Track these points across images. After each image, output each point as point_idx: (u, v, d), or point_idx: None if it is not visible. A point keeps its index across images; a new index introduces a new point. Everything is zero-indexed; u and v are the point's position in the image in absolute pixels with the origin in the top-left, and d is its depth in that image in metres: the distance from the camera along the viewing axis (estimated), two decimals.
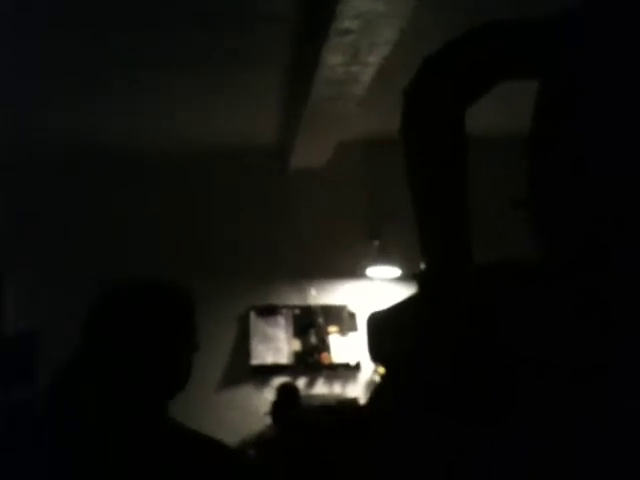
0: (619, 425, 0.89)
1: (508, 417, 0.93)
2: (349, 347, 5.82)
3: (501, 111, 4.22)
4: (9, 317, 4.80)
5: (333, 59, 3.85)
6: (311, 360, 5.81)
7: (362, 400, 5.70)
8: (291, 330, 5.86)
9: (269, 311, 5.88)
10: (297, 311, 5.90)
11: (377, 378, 5.70)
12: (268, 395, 5.50)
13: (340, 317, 5.88)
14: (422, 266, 1.08)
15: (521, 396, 0.93)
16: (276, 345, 5.83)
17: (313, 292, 5.92)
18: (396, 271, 5.81)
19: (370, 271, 5.89)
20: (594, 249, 0.95)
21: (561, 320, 0.94)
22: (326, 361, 5.82)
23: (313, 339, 5.85)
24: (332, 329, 5.87)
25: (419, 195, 1.08)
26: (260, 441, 5.20)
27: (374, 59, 3.86)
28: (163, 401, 1.68)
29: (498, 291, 1.00)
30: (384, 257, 5.82)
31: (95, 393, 1.61)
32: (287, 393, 5.15)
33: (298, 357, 5.82)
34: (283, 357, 5.81)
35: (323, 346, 5.83)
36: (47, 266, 5.61)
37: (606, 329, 0.92)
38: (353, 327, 5.84)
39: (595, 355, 0.91)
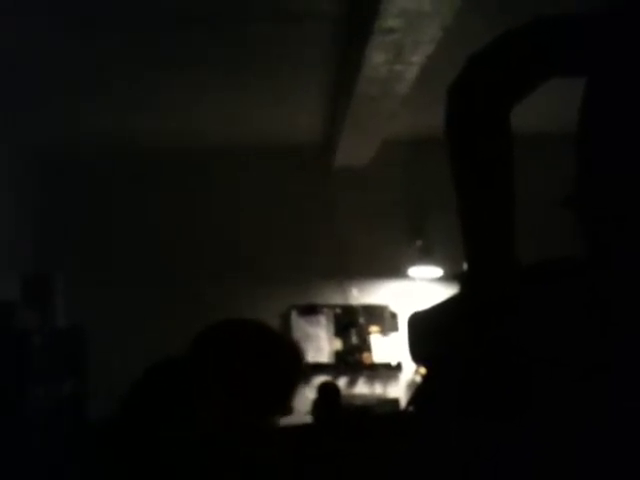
0: (632, 424, 0.88)
1: (523, 416, 0.92)
2: (390, 347, 5.80)
3: (545, 108, 4.16)
4: (58, 316, 4.88)
5: (377, 58, 3.84)
6: (352, 360, 5.81)
7: (403, 400, 5.67)
8: (332, 329, 5.86)
9: (310, 310, 5.89)
10: (338, 310, 5.90)
11: (418, 379, 5.67)
12: (309, 394, 5.51)
13: (381, 317, 5.86)
14: (465, 266, 1.07)
15: (535, 395, 0.92)
16: (317, 344, 5.84)
17: (355, 292, 5.91)
18: (438, 271, 5.77)
19: (412, 271, 5.86)
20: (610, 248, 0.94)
21: (574, 320, 0.93)
22: (367, 361, 5.81)
23: (354, 339, 5.85)
24: (373, 329, 5.85)
25: (463, 194, 1.07)
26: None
27: (418, 58, 3.84)
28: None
29: (519, 292, 0.99)
30: (426, 257, 5.78)
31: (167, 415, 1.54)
32: (328, 392, 5.15)
33: (339, 356, 5.82)
34: (324, 356, 5.82)
35: (364, 346, 5.83)
36: (91, 266, 5.70)
37: (612, 329, 0.90)
38: (394, 327, 5.82)
39: (603, 355, 0.90)
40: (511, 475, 0.92)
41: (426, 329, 1.11)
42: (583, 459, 0.89)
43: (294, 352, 1.66)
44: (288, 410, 1.65)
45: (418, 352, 1.13)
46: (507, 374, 0.94)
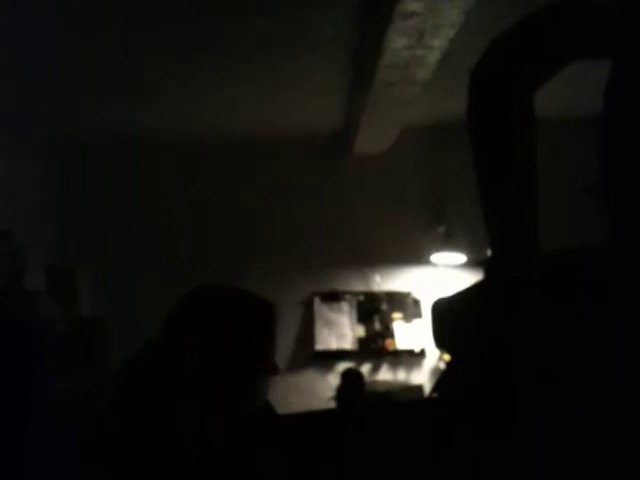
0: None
1: (519, 425, 0.92)
2: (413, 334, 5.79)
3: (571, 92, 4.12)
4: (83, 309, 4.92)
5: (397, 42, 3.81)
6: (375, 346, 5.81)
7: (427, 387, 5.67)
8: (355, 316, 5.86)
9: (333, 297, 5.89)
10: (361, 297, 5.89)
11: (442, 365, 5.66)
12: (332, 380, 5.52)
13: (404, 304, 5.86)
14: (488, 252, 1.06)
15: (531, 403, 0.92)
16: (340, 331, 5.85)
17: (377, 278, 5.91)
18: (462, 257, 5.74)
19: (435, 257, 5.84)
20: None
21: (577, 326, 0.91)
22: (390, 347, 5.80)
23: (377, 325, 5.85)
24: (396, 315, 5.84)
25: (486, 180, 1.06)
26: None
27: (439, 42, 3.80)
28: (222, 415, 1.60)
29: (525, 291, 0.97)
30: (449, 243, 5.76)
31: (155, 390, 1.57)
32: (351, 379, 5.16)
33: (362, 343, 5.82)
34: (347, 343, 5.82)
35: (387, 332, 5.82)
36: (115, 260, 5.72)
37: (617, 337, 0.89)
38: (417, 314, 5.80)
39: (606, 365, 0.89)
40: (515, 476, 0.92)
41: (450, 316, 1.11)
42: (582, 463, 0.89)
43: (261, 304, 1.69)
44: (273, 368, 1.66)
45: (442, 339, 1.13)
46: (505, 378, 0.93)
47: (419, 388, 5.67)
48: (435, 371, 5.74)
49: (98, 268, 5.33)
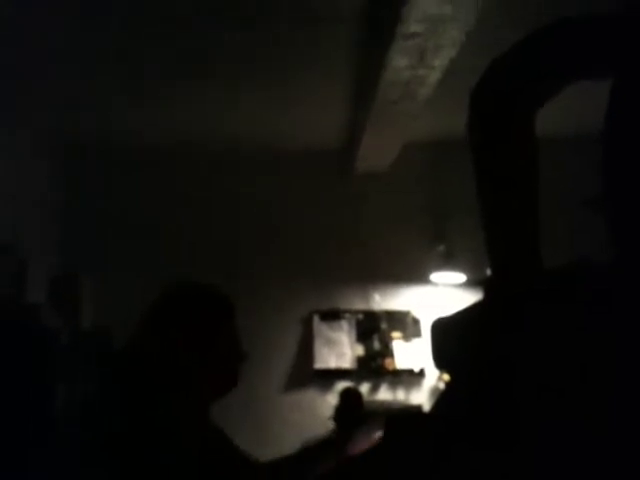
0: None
1: (518, 444, 0.91)
2: (413, 353, 5.77)
3: (574, 109, 4.13)
4: (85, 316, 4.91)
5: (399, 62, 3.83)
6: (374, 365, 5.78)
7: (426, 407, 5.64)
8: (354, 335, 5.84)
9: (332, 315, 5.87)
10: (360, 316, 5.87)
11: (442, 385, 5.64)
12: (331, 399, 5.49)
13: (404, 323, 5.84)
14: (489, 272, 1.06)
15: (530, 421, 0.91)
16: (339, 349, 5.82)
17: (377, 297, 5.89)
18: (461, 277, 5.73)
19: (435, 276, 5.83)
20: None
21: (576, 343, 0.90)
22: (390, 367, 5.78)
23: (376, 344, 5.82)
24: (396, 335, 5.83)
25: (487, 199, 1.06)
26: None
27: (440, 61, 3.82)
28: (201, 404, 1.74)
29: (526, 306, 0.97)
30: (449, 262, 5.75)
31: (135, 387, 1.71)
32: (350, 398, 5.12)
33: (361, 362, 5.80)
34: (346, 362, 5.80)
35: (386, 352, 5.80)
36: (119, 267, 5.71)
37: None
38: (417, 333, 5.79)
39: (605, 383, 0.88)
40: None
41: (449, 336, 1.10)
42: (584, 477, 0.88)
43: (217, 299, 1.88)
44: (243, 355, 1.86)
45: (441, 359, 1.12)
46: (505, 394, 0.93)
47: (418, 408, 5.64)
48: (434, 391, 5.71)
49: (98, 268, 5.32)
